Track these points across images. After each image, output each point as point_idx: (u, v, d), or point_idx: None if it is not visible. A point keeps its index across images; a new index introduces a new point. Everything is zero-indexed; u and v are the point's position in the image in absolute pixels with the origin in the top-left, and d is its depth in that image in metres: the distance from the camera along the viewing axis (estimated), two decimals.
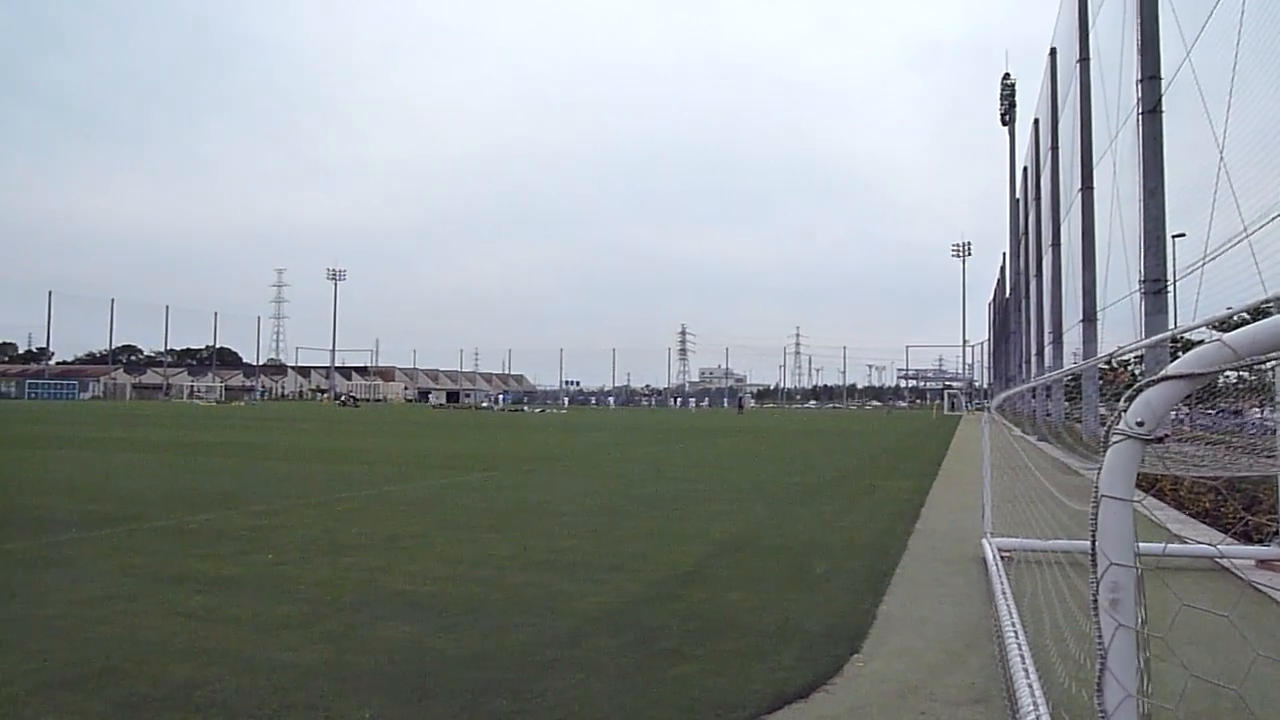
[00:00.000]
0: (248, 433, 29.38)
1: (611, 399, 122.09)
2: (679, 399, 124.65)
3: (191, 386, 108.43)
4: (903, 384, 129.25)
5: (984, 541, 7.41)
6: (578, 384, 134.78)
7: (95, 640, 4.80)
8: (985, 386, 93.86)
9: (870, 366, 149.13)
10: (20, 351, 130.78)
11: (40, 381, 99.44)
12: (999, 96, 49.28)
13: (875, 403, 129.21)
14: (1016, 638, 4.36)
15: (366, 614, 5.42)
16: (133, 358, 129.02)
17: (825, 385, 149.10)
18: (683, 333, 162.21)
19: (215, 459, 18.05)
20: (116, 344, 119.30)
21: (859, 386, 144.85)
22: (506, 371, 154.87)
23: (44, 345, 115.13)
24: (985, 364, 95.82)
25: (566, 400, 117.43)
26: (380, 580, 6.41)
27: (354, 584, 6.27)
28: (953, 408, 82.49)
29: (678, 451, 22.69)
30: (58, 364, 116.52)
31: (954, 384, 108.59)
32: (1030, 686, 3.62)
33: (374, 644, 4.78)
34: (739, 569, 7.04)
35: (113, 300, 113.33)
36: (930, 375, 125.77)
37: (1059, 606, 4.35)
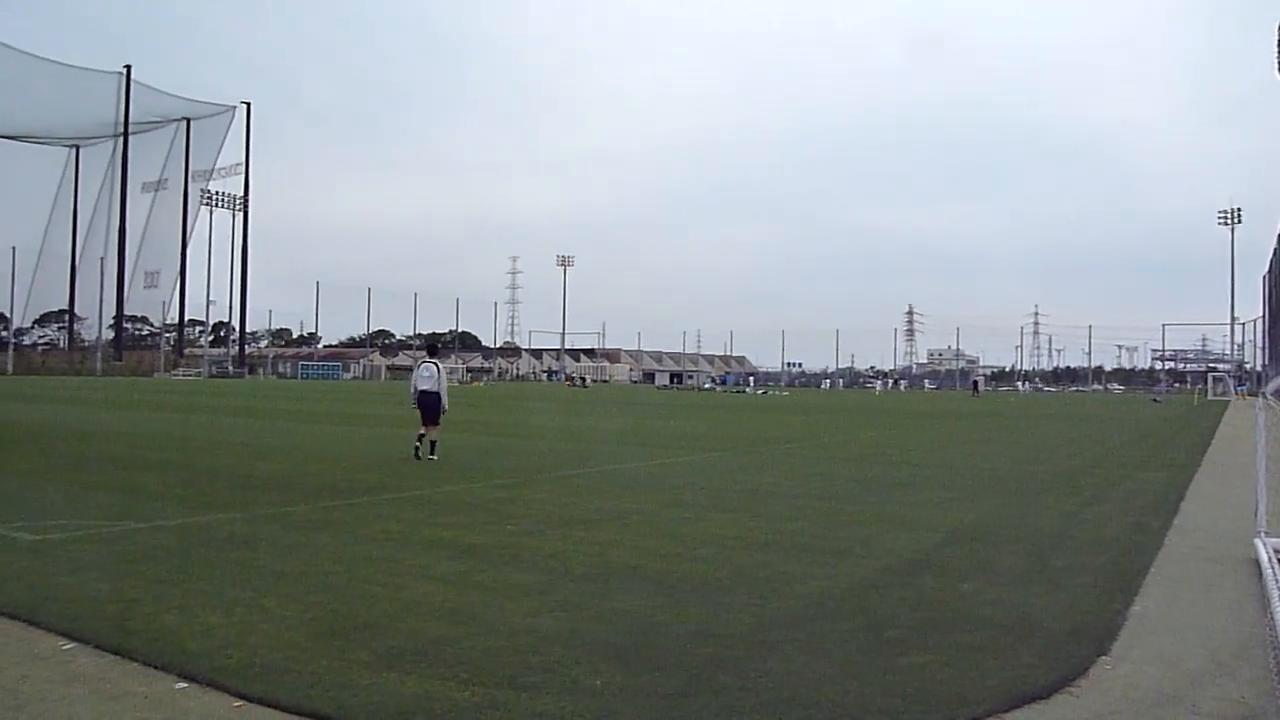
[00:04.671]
0: (487, 411, 31.31)
1: (838, 380, 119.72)
2: (904, 381, 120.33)
3: None
4: (1158, 366, 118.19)
5: (1257, 541, 6.69)
6: (800, 365, 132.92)
7: (361, 596, 5.32)
8: (1259, 369, 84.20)
9: (1119, 347, 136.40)
10: (294, 336, 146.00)
11: (310, 363, 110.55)
12: (1276, 43, 43.83)
13: (1119, 387, 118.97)
14: None
15: (597, 585, 5.67)
16: (386, 341, 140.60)
17: (1067, 367, 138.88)
18: (910, 312, 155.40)
19: (458, 435, 19.38)
20: (372, 329, 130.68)
21: (1106, 369, 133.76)
22: (728, 353, 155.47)
23: (313, 330, 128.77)
24: (1258, 344, 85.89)
25: (791, 381, 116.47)
26: (610, 554, 6.67)
27: (585, 556, 6.56)
28: (1219, 392, 74.59)
29: (906, 435, 21.98)
30: (324, 347, 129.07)
31: (1220, 366, 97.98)
32: None
33: (605, 614, 4.98)
34: (972, 559, 6.75)
35: (369, 289, 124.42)
36: (1191, 356, 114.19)
37: None
